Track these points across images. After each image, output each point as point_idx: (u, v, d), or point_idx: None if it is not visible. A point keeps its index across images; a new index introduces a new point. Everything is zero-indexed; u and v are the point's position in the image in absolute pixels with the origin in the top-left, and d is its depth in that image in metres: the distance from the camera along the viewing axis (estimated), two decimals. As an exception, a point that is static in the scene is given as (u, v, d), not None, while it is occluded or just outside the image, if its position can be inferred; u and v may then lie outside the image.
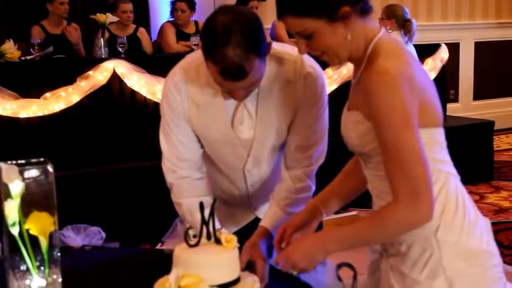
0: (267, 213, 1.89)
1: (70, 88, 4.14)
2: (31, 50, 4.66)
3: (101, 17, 4.97)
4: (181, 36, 5.54)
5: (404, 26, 4.81)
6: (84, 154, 4.22)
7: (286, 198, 1.87)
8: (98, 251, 2.31)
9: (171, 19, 5.67)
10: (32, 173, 1.28)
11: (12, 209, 1.25)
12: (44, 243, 1.29)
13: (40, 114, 4.08)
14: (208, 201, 1.70)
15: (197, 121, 1.84)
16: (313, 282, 1.63)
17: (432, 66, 5.45)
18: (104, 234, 3.84)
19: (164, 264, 1.44)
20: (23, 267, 1.30)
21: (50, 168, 1.30)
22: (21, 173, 1.25)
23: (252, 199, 2.04)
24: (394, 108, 1.36)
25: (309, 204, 1.76)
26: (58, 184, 1.32)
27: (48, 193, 1.29)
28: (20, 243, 1.27)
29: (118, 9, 5.35)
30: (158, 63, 4.52)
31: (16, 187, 1.24)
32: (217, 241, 1.39)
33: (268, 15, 6.00)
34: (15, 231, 1.26)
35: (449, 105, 6.32)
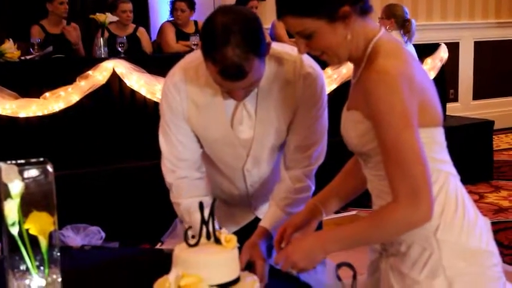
0: (267, 214, 1.89)
1: (70, 88, 4.14)
2: (31, 49, 4.66)
3: (100, 17, 4.97)
4: (181, 36, 5.54)
5: (403, 25, 4.82)
6: (84, 154, 4.22)
7: (286, 198, 1.87)
8: (97, 250, 2.31)
9: (171, 19, 5.67)
10: (32, 172, 1.28)
11: (11, 209, 1.24)
12: (43, 243, 1.29)
13: (40, 114, 4.08)
14: (207, 201, 1.71)
15: (196, 121, 1.84)
16: (312, 282, 1.63)
17: (432, 65, 5.45)
18: (103, 234, 3.84)
19: (164, 264, 1.44)
20: (22, 267, 1.30)
21: (49, 168, 1.30)
22: (20, 172, 1.25)
23: (251, 199, 2.04)
24: (394, 108, 1.36)
25: (308, 204, 1.76)
26: (58, 184, 1.32)
27: (47, 193, 1.29)
28: (19, 243, 1.27)
29: (118, 9, 5.35)
30: (158, 62, 4.52)
31: (16, 187, 1.24)
32: (217, 241, 1.39)
33: (267, 15, 6.00)
34: (14, 231, 1.26)
35: (448, 105, 6.32)
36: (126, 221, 4.02)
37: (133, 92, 4.34)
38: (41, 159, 1.31)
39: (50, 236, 1.30)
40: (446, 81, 5.89)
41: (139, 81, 4.30)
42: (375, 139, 1.42)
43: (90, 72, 4.19)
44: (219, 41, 1.56)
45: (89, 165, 4.14)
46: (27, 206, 1.26)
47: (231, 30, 1.56)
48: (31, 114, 4.06)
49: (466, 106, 7.59)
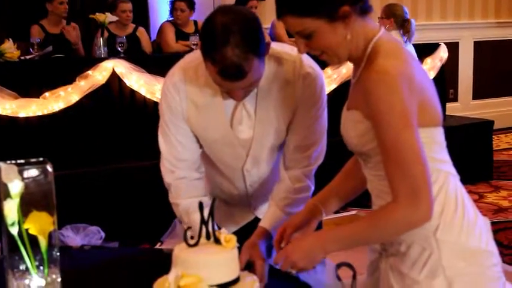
0: (266, 214, 1.89)
1: (69, 88, 4.14)
2: (30, 49, 4.66)
3: (100, 17, 4.97)
4: (181, 35, 5.54)
5: (403, 25, 4.82)
6: (84, 154, 4.22)
7: (285, 198, 1.87)
8: (97, 250, 2.31)
9: (171, 18, 5.67)
10: (31, 172, 1.28)
11: (11, 209, 1.24)
12: (43, 242, 1.29)
13: (39, 113, 4.08)
14: (206, 201, 1.71)
15: (196, 121, 1.84)
16: (312, 282, 1.63)
17: (431, 65, 5.45)
18: (103, 234, 3.84)
19: (163, 263, 1.44)
20: (22, 267, 1.30)
21: (49, 168, 1.29)
22: (20, 172, 1.25)
23: (251, 199, 2.04)
24: (394, 107, 1.36)
25: (308, 203, 1.76)
26: (57, 184, 1.32)
27: (47, 193, 1.29)
28: (19, 242, 1.27)
29: (117, 9, 5.35)
30: (157, 62, 4.52)
31: (15, 187, 1.24)
32: (217, 241, 1.39)
33: (267, 15, 6.00)
34: (14, 230, 1.26)
35: (448, 105, 6.32)
36: (125, 221, 4.02)
37: (133, 92, 4.34)
38: (41, 159, 1.31)
39: (50, 236, 1.29)
40: (446, 81, 5.89)
41: (139, 81, 4.30)
42: (374, 139, 1.42)
43: (89, 72, 4.19)
44: (219, 41, 1.56)
45: (88, 165, 4.14)
46: (26, 205, 1.26)
47: (231, 30, 1.55)
48: (31, 114, 4.06)
49: (466, 106, 7.59)
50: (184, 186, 1.88)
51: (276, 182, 1.93)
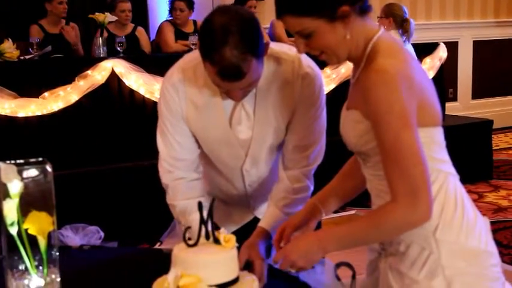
0: (265, 214, 1.89)
1: (69, 87, 4.14)
2: (30, 49, 4.66)
3: (99, 17, 4.97)
4: (180, 35, 5.54)
5: (402, 25, 4.82)
6: (83, 153, 4.22)
7: (284, 198, 1.87)
8: (96, 250, 2.31)
9: (170, 18, 5.67)
10: (31, 172, 1.28)
11: (10, 209, 1.25)
12: (42, 242, 1.29)
13: (39, 113, 4.07)
14: (203, 202, 1.70)
15: (195, 121, 1.84)
16: (311, 281, 1.63)
17: (431, 65, 5.45)
18: (102, 234, 3.83)
19: (163, 263, 1.44)
20: (21, 267, 1.30)
21: (48, 168, 1.30)
22: (19, 172, 1.25)
23: (250, 199, 2.03)
24: (393, 107, 1.36)
25: (308, 203, 1.76)
26: (57, 184, 1.32)
27: (46, 193, 1.29)
28: (18, 242, 1.27)
29: (116, 9, 5.35)
30: (157, 62, 4.52)
31: (15, 187, 1.24)
32: (216, 241, 1.39)
33: (266, 15, 6.00)
34: (13, 230, 1.26)
35: (448, 104, 6.33)
36: (125, 221, 4.02)
37: (132, 92, 4.33)
38: (40, 159, 1.31)
39: (49, 236, 1.30)
40: (445, 81, 5.89)
41: (138, 81, 4.30)
42: (374, 139, 1.42)
43: (89, 71, 4.18)
44: (217, 42, 1.55)
45: (88, 165, 4.14)
46: (26, 205, 1.26)
47: (229, 30, 1.55)
48: (30, 114, 4.06)
49: (465, 105, 7.59)
50: (182, 187, 1.88)
51: (275, 182, 1.93)
